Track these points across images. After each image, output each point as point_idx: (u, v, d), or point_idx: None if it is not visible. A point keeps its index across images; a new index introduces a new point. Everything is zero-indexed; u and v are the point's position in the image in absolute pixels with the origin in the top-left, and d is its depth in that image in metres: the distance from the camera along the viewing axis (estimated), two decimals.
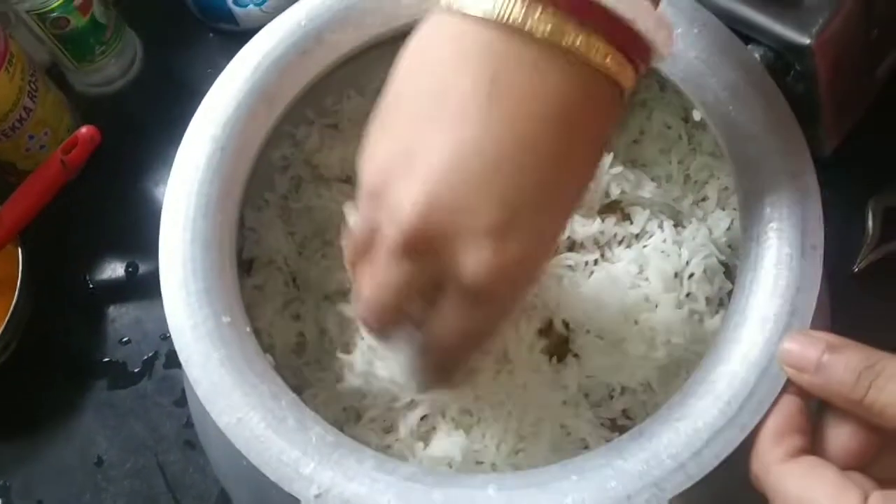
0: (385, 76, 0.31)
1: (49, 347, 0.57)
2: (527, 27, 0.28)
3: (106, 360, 0.57)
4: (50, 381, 0.56)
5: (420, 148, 0.29)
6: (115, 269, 0.60)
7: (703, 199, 0.45)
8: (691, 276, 0.42)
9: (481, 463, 0.39)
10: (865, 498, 0.28)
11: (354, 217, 0.33)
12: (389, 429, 0.40)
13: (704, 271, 0.42)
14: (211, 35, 0.67)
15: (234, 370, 0.35)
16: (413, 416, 0.40)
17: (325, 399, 0.41)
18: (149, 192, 0.62)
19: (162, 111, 0.61)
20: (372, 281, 0.32)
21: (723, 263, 0.43)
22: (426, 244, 0.29)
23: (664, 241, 0.42)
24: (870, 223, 0.52)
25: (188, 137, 0.40)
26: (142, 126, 0.64)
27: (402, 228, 0.29)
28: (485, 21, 0.29)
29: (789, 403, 0.32)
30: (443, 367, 0.35)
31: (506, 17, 0.28)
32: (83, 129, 0.52)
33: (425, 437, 0.40)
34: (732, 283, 0.42)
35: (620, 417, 0.40)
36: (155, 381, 0.56)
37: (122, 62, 0.64)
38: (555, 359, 0.41)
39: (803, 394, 0.32)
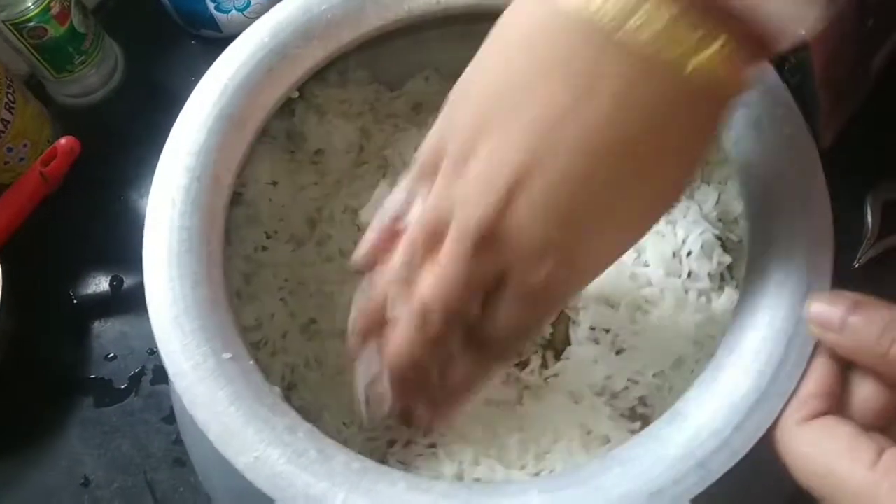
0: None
1: (33, 365, 0.56)
2: (628, 29, 0.26)
3: (91, 376, 0.55)
4: (34, 400, 0.55)
5: (505, 143, 0.28)
6: (99, 284, 0.58)
7: None
8: (689, 254, 0.42)
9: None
10: (881, 453, 0.28)
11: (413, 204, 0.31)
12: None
13: (702, 247, 0.42)
14: (193, 42, 0.65)
15: (244, 407, 0.33)
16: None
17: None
18: (133, 203, 0.61)
19: (145, 120, 0.60)
20: (443, 270, 0.30)
21: (717, 237, 0.42)
22: (504, 238, 0.29)
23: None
24: (869, 218, 0.51)
25: (161, 171, 0.38)
26: (125, 136, 0.63)
27: (486, 215, 0.28)
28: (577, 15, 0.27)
29: (819, 367, 0.33)
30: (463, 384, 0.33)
31: (603, 16, 0.27)
32: (62, 140, 0.50)
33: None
34: (730, 256, 0.42)
35: (639, 405, 0.40)
36: (142, 397, 0.54)
37: (102, 72, 0.63)
38: (556, 364, 0.41)
39: (834, 356, 0.32)
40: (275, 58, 0.41)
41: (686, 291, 0.41)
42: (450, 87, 0.31)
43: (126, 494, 0.51)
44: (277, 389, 0.35)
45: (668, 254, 0.41)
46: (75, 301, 0.58)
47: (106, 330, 0.57)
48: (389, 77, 0.49)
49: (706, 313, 0.41)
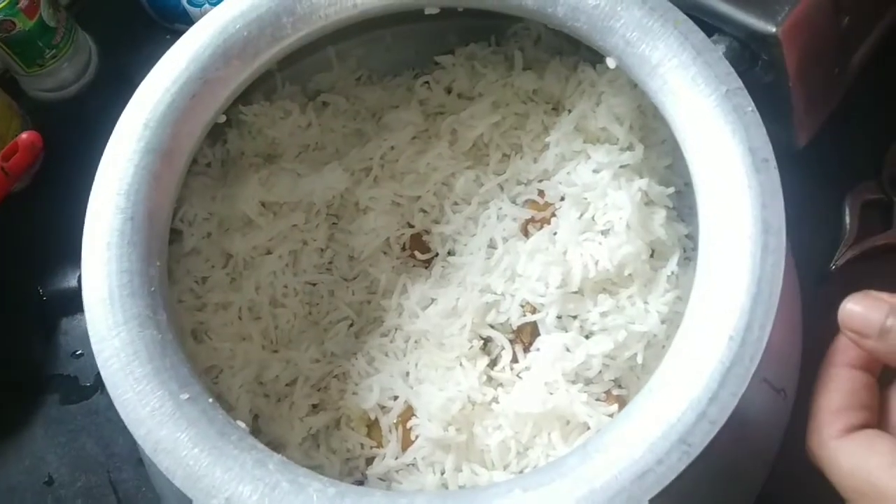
0: None
1: None
2: None
3: (58, 373, 0.55)
4: None
5: None
6: (67, 280, 0.58)
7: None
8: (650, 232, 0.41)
9: None
10: None
11: None
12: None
13: (661, 224, 0.41)
14: (168, 37, 0.65)
15: (209, 447, 0.32)
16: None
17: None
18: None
19: (118, 115, 0.58)
20: None
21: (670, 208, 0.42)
22: None
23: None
24: (847, 219, 0.50)
25: (91, 213, 0.37)
26: (97, 131, 0.61)
27: None
28: None
29: (851, 378, 0.32)
30: None
31: None
32: (24, 135, 0.50)
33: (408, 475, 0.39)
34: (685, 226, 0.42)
35: (614, 388, 0.40)
36: (108, 395, 0.52)
37: (75, 66, 0.62)
38: (527, 356, 0.40)
39: (869, 366, 0.32)
40: (196, 83, 0.39)
41: (653, 269, 0.41)
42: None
43: (89, 494, 0.51)
44: (242, 424, 0.34)
45: (627, 233, 0.41)
46: (44, 297, 0.57)
47: (73, 327, 0.56)
48: (320, 86, 0.49)
49: (673, 290, 0.40)
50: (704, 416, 0.30)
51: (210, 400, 0.34)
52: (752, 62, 0.43)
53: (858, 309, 0.31)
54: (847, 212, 0.50)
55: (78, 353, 0.55)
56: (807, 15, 0.41)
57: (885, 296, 0.31)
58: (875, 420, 0.31)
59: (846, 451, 0.30)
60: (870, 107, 0.50)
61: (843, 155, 0.50)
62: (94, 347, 0.34)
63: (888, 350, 0.30)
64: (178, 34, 0.64)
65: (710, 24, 0.41)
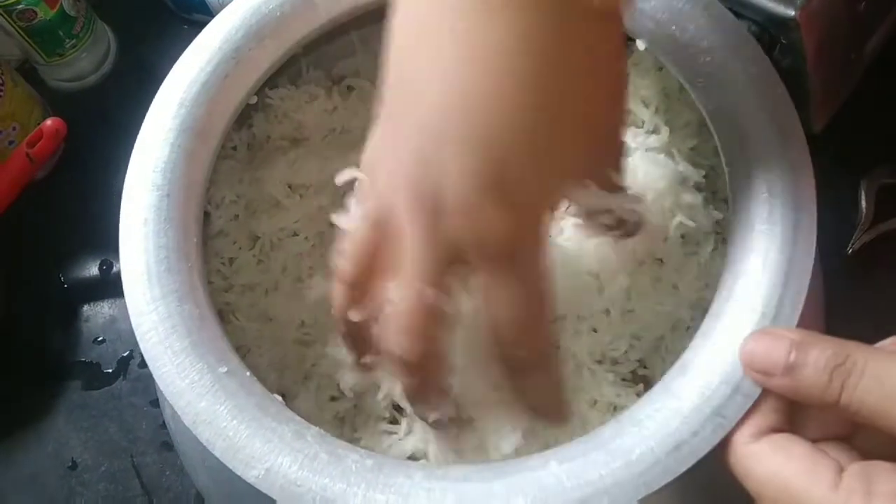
0: None
1: (21, 348, 0.56)
2: None
3: (80, 360, 0.55)
4: (22, 383, 0.55)
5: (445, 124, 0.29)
6: (88, 268, 0.58)
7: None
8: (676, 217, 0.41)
9: None
10: (840, 471, 0.27)
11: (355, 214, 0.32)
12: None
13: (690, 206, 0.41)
14: (185, 27, 0.65)
15: (248, 419, 0.32)
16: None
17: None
18: (123, 188, 0.61)
19: (137, 105, 0.58)
20: (416, 265, 0.30)
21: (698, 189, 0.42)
22: (464, 217, 0.29)
23: None
24: (863, 203, 0.51)
25: (129, 190, 0.38)
26: (117, 121, 0.62)
27: (451, 203, 0.29)
28: None
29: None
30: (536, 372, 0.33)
31: None
32: (48, 122, 0.50)
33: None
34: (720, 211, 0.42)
35: (639, 368, 0.40)
36: (130, 381, 0.54)
37: (94, 56, 0.63)
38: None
39: None
40: (229, 63, 0.40)
41: (684, 254, 0.41)
42: None
43: (113, 478, 0.51)
44: (278, 397, 0.34)
45: (658, 216, 0.41)
46: (65, 285, 0.58)
47: (95, 314, 0.57)
48: (345, 71, 0.49)
49: (704, 277, 0.40)
50: (739, 389, 0.30)
51: (248, 374, 0.34)
52: (770, 46, 0.43)
53: (760, 348, 0.30)
54: (863, 196, 0.51)
55: (99, 339, 0.56)
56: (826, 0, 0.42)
57: (785, 332, 0.29)
58: (788, 423, 0.30)
59: (759, 456, 0.29)
60: (885, 92, 0.50)
61: (858, 139, 0.50)
62: (133, 321, 0.35)
63: (796, 387, 0.28)
64: (195, 24, 0.65)
65: (729, 8, 0.42)
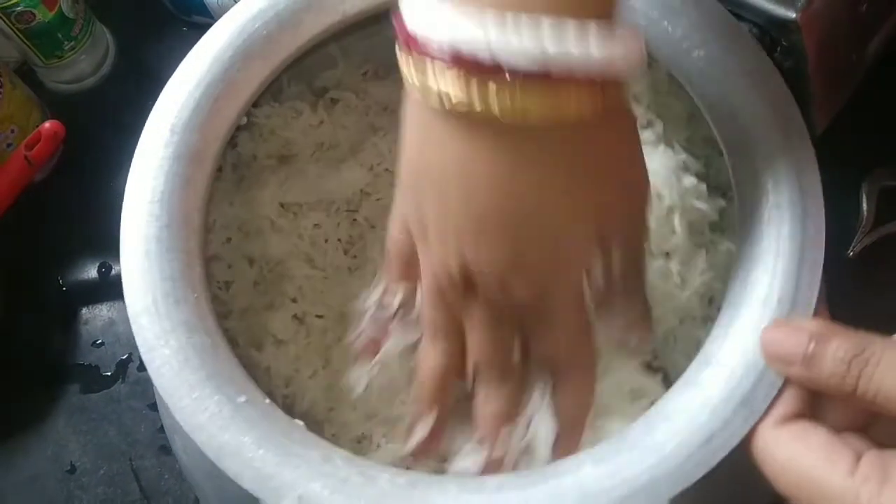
0: None
1: (20, 351, 0.56)
2: (484, 112, 0.28)
3: (78, 363, 0.55)
4: (21, 386, 0.55)
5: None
6: (87, 270, 0.58)
7: None
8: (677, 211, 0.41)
9: None
10: (858, 458, 0.27)
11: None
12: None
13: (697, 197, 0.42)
14: (185, 28, 0.65)
15: (274, 447, 0.31)
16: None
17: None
18: (123, 190, 0.60)
19: (136, 107, 0.58)
20: (485, 339, 0.34)
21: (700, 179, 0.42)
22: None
23: None
24: (864, 205, 0.51)
25: (126, 222, 0.37)
26: (116, 122, 0.62)
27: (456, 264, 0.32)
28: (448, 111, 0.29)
29: None
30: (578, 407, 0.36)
31: (463, 106, 0.28)
32: (46, 124, 0.50)
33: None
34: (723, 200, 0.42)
35: (652, 360, 0.40)
36: (129, 384, 0.54)
37: (93, 58, 0.63)
38: None
39: None
40: (219, 86, 0.39)
41: (693, 245, 0.41)
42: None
43: (112, 481, 0.51)
44: (301, 423, 0.33)
45: (664, 209, 0.41)
46: (63, 287, 0.58)
47: (93, 316, 0.57)
48: (327, 84, 0.48)
49: (710, 268, 0.41)
50: (763, 378, 0.30)
51: (267, 401, 0.33)
52: (771, 48, 0.43)
53: (780, 338, 0.30)
54: (864, 198, 0.51)
55: (98, 342, 0.56)
56: (827, 1, 0.42)
57: (805, 323, 0.31)
58: (808, 411, 0.30)
59: (779, 442, 0.29)
60: (887, 93, 0.50)
61: (860, 141, 0.50)
62: (145, 357, 0.34)
63: (814, 377, 0.29)
64: (195, 26, 0.65)
65: (729, 10, 0.42)
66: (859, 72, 0.49)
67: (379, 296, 0.37)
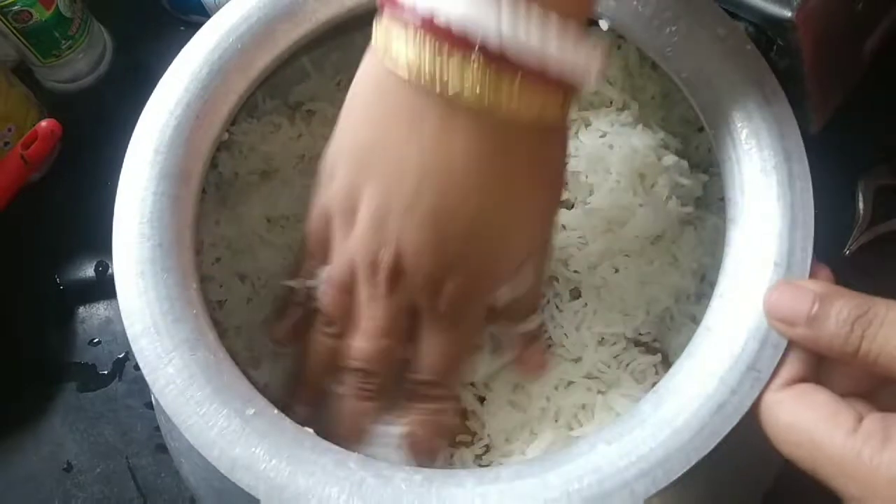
0: None
1: (17, 349, 0.56)
2: (452, 91, 0.29)
3: (75, 361, 0.55)
4: (18, 385, 0.54)
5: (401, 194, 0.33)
6: (84, 269, 0.58)
7: None
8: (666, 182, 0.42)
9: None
10: (860, 420, 0.27)
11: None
12: None
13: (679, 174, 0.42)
14: (182, 28, 0.65)
15: (286, 457, 0.31)
16: None
17: None
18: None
19: (133, 107, 0.58)
20: (374, 312, 0.35)
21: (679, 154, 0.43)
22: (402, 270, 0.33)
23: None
24: (860, 204, 0.51)
25: (118, 245, 0.37)
26: (113, 122, 0.61)
27: (400, 263, 0.33)
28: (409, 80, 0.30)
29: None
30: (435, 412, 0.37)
31: (428, 78, 0.29)
32: (43, 123, 0.50)
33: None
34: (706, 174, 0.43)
35: (652, 341, 0.40)
36: (126, 382, 0.54)
37: (90, 57, 0.63)
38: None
39: None
40: (198, 103, 0.39)
41: (680, 223, 0.41)
42: None
43: (108, 480, 0.51)
44: (311, 430, 0.33)
45: (647, 184, 0.41)
46: (60, 286, 0.58)
47: (90, 315, 0.56)
48: (301, 97, 0.48)
49: (700, 244, 0.41)
50: (767, 341, 0.30)
51: (275, 412, 0.33)
52: (767, 47, 0.43)
53: (784, 298, 0.31)
54: (860, 197, 0.51)
55: (95, 341, 0.55)
56: (823, 0, 0.42)
57: (809, 284, 0.31)
58: (812, 374, 0.31)
59: (783, 404, 0.30)
60: (882, 92, 0.50)
61: (856, 140, 0.50)
62: (148, 378, 0.33)
63: (817, 338, 0.29)
64: (192, 25, 0.65)
65: (725, 9, 0.42)
66: (856, 70, 0.49)
67: (300, 282, 0.38)
